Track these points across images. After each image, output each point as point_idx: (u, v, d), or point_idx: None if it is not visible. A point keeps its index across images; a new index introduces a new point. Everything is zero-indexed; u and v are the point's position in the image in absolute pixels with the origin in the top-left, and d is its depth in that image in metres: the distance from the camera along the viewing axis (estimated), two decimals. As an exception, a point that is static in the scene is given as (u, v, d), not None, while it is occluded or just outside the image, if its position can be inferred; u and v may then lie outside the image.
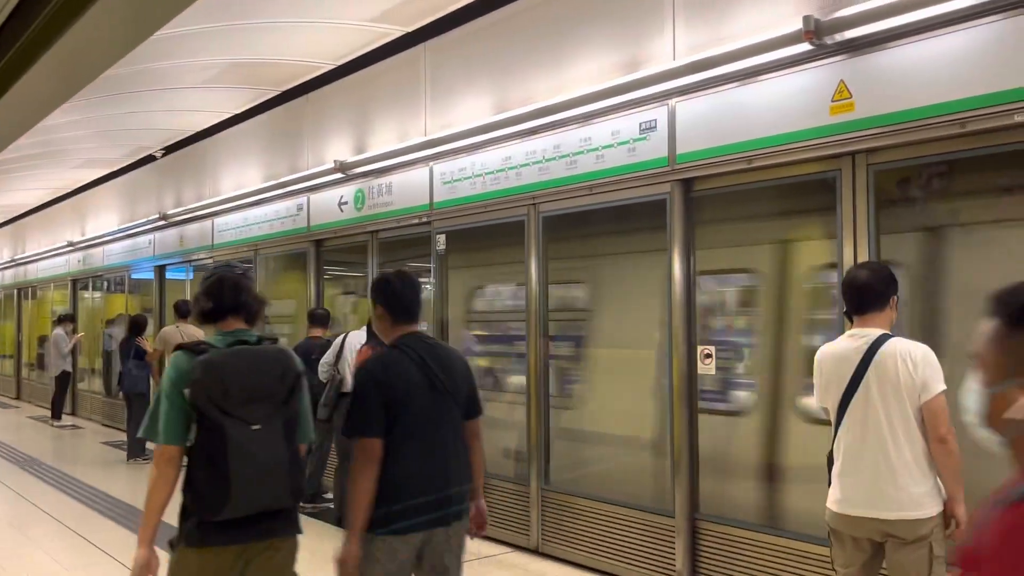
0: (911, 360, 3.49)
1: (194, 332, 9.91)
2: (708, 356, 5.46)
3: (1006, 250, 4.50)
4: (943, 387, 3.46)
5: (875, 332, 3.61)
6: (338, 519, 7.33)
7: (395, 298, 3.50)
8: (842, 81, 4.61)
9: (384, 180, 8.15)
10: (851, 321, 3.76)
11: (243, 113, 10.48)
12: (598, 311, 7.03)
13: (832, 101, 4.65)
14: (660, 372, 5.81)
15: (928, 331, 4.53)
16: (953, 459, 3.45)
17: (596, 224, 6.53)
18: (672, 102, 5.48)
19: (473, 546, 6.53)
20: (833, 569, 3.79)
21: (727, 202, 5.55)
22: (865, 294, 3.66)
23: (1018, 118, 3.96)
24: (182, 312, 10.01)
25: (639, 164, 5.69)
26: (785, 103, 4.89)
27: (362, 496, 3.21)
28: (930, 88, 4.27)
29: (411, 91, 7.80)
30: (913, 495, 3.48)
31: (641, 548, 5.68)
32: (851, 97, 4.57)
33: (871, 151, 4.55)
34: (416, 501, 3.28)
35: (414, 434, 3.32)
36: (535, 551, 6.45)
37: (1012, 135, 4.05)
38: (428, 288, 7.58)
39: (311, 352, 7.67)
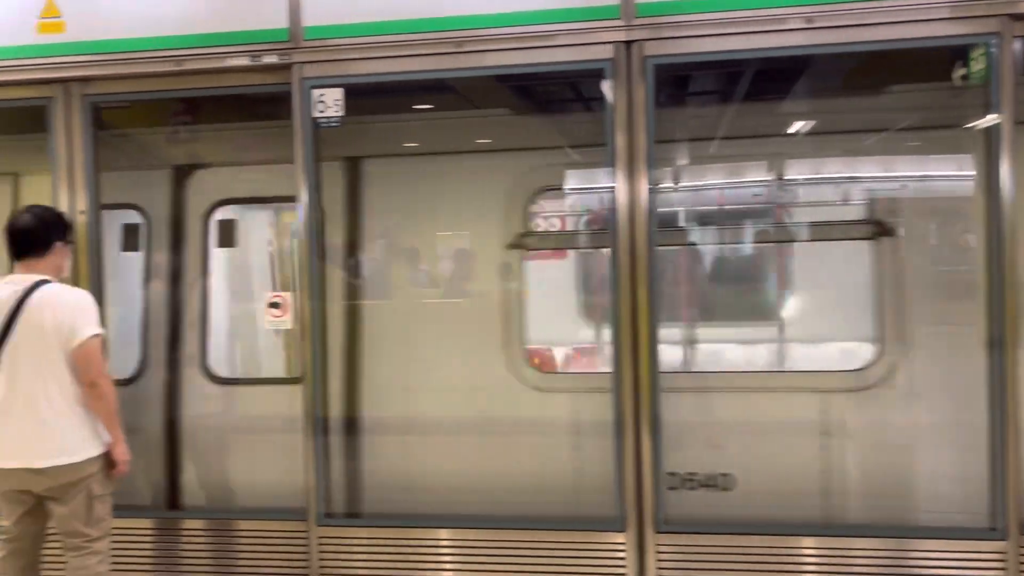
0: (61, 306, 3.42)
1: None
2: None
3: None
4: (95, 331, 3.43)
5: (33, 278, 3.46)
6: None
7: None
8: (51, -3, 4.09)
9: None
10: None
11: None
12: None
13: (40, 18, 4.10)
14: None
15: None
16: (105, 402, 3.47)
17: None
18: None
19: None
20: None
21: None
22: (24, 239, 3.51)
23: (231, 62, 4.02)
24: None
25: None
26: (-17, 12, 4.15)
27: None
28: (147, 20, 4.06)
29: None
30: (64, 441, 3.41)
31: None
32: (61, 17, 4.09)
33: (86, 80, 4.16)
34: None
35: None
36: None
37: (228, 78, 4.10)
38: None
39: None
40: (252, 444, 4.66)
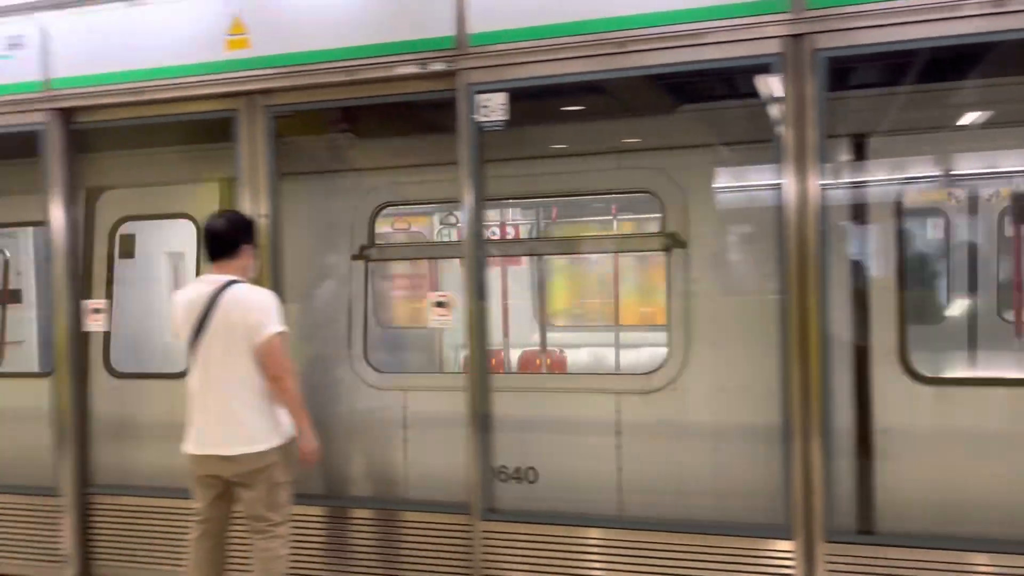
0: (248, 304, 3.66)
1: None
2: (97, 311, 4.86)
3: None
4: (278, 329, 3.64)
5: (224, 278, 3.71)
6: None
7: None
8: (238, 16, 4.37)
9: None
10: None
11: None
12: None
13: (227, 35, 4.39)
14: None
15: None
16: (288, 395, 3.69)
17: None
18: (44, 16, 4.68)
19: None
20: None
21: (120, 137, 4.99)
22: (216, 242, 3.77)
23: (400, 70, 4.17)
24: None
25: (5, 87, 4.77)
26: (180, 33, 4.47)
27: None
28: (323, 33, 4.27)
29: None
30: (250, 431, 3.64)
31: (19, 536, 4.88)
32: (246, 34, 4.36)
33: (268, 92, 4.42)
34: None
35: None
36: None
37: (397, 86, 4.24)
38: None
39: None
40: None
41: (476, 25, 4.03)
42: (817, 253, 3.59)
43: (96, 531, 4.81)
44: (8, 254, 6.59)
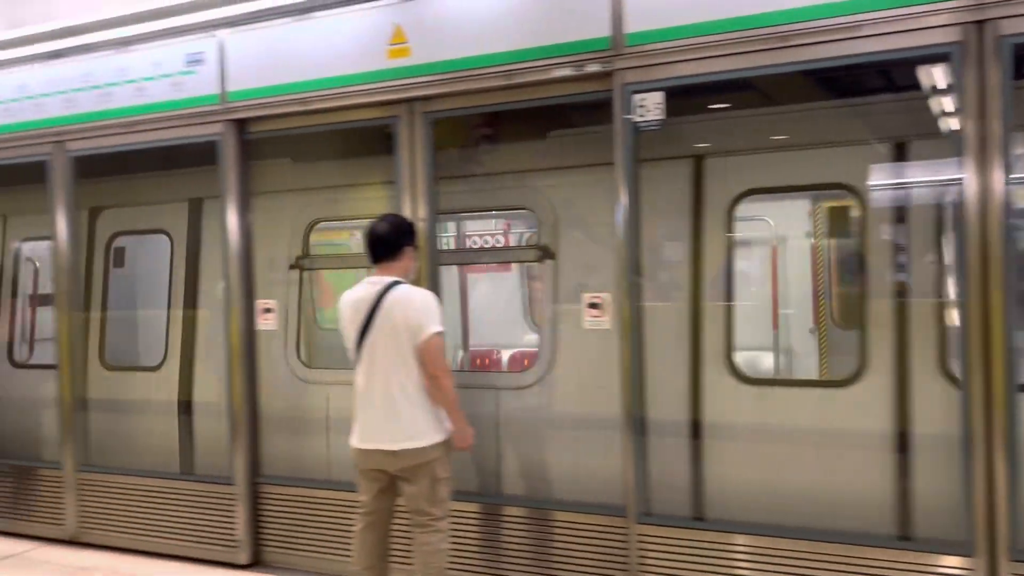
0: (410, 305, 3.77)
1: None
2: (268, 311, 5.13)
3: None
4: (437, 329, 3.75)
5: (387, 279, 3.84)
6: None
7: None
8: (399, 26, 4.52)
9: None
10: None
11: None
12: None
13: (389, 45, 4.55)
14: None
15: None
16: (444, 394, 3.79)
17: (141, 167, 5.81)
18: (221, 33, 4.98)
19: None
20: None
21: (287, 146, 5.25)
22: (379, 244, 3.91)
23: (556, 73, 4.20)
24: None
25: (187, 101, 5.12)
26: (343, 44, 4.68)
27: None
28: (480, 39, 4.35)
29: None
30: (414, 427, 3.76)
31: (199, 521, 5.22)
32: (407, 43, 4.51)
33: (427, 99, 4.55)
34: None
35: None
36: (72, 542, 5.63)
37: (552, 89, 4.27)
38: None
39: None
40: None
41: (632, 25, 4.01)
42: (1001, 253, 3.37)
43: (266, 519, 5.08)
44: (39, 264, 7.10)
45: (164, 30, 5.13)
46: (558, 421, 4.61)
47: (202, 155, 5.14)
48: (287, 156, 5.44)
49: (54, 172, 5.64)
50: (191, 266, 5.73)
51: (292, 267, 5.27)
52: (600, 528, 4.22)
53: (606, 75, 4.09)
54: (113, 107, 5.35)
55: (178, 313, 5.79)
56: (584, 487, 4.42)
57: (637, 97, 4.03)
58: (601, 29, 4.07)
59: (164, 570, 5.10)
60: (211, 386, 5.48)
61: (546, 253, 4.69)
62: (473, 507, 4.52)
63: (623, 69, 4.04)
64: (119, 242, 6.11)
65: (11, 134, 5.72)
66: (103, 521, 5.54)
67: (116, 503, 5.50)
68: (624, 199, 4.08)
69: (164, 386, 5.76)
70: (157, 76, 5.19)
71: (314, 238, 5.43)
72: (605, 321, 4.28)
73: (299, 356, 5.27)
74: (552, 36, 4.19)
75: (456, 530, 4.24)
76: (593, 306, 4.32)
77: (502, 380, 5.43)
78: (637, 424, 4.10)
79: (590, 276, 4.46)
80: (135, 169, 5.90)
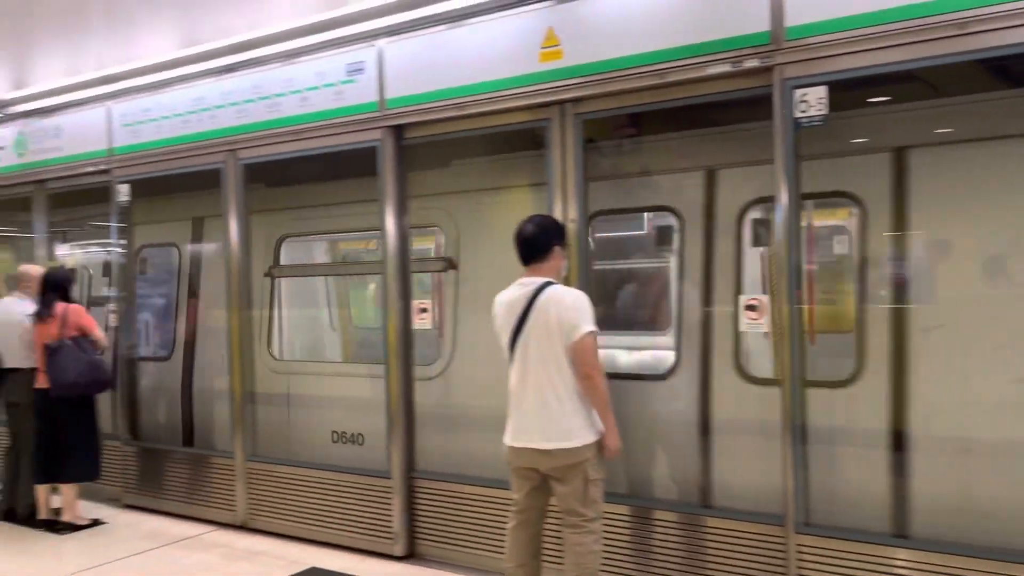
0: (562, 305, 3.78)
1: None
2: (424, 311, 5.28)
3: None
4: (590, 329, 3.74)
5: (539, 280, 3.87)
6: (6, 512, 6.32)
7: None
8: (551, 28, 4.55)
9: (52, 121, 7.06)
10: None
11: None
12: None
13: (541, 48, 4.59)
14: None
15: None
16: (597, 393, 3.78)
17: (304, 173, 6.10)
18: (380, 43, 5.17)
19: (171, 527, 6.01)
20: None
21: (441, 150, 5.38)
22: (528, 245, 3.95)
23: (711, 70, 4.12)
24: None
25: (347, 108, 5.34)
26: (497, 48, 4.76)
27: None
28: (632, 38, 4.32)
29: (82, 16, 6.76)
30: (566, 427, 3.77)
31: (357, 513, 5.43)
32: (559, 45, 4.53)
33: (578, 100, 4.56)
34: None
35: None
36: (242, 527, 5.98)
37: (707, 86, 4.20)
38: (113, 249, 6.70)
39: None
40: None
41: (793, 18, 3.88)
42: None
43: (420, 513, 5.23)
44: (92, 272, 7.39)
45: (327, 41, 5.37)
46: (714, 426, 4.50)
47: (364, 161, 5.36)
48: (437, 161, 5.58)
49: (227, 178, 6.01)
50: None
51: (444, 269, 5.41)
52: (756, 537, 4.11)
53: (765, 70, 3.97)
54: (280, 116, 5.65)
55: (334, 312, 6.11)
56: (739, 494, 4.31)
57: (798, 92, 3.90)
58: (760, 23, 3.96)
59: (326, 557, 5.33)
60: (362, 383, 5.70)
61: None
62: (624, 509, 4.50)
63: (783, 64, 3.92)
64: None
65: (189, 144, 6.14)
66: (269, 508, 5.86)
67: (280, 492, 5.80)
68: (784, 197, 3.96)
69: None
70: (320, 86, 5.44)
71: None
72: (762, 324, 4.16)
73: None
74: (708, 33, 4.11)
75: (606, 532, 4.23)
76: (750, 308, 4.20)
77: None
78: (797, 431, 3.96)
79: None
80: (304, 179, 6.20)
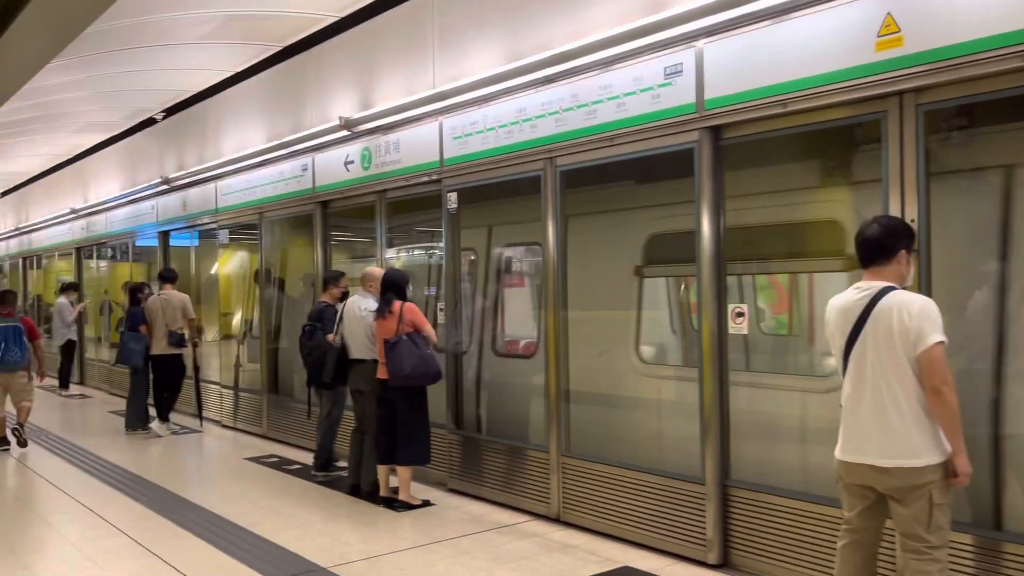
0: (907, 312, 3.49)
1: (177, 297, 10.13)
2: (740, 315, 5.16)
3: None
4: (939, 338, 3.43)
5: (879, 285, 3.62)
6: (352, 487, 7.10)
7: None
8: (889, 14, 4.24)
9: (392, 137, 7.81)
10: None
11: (244, 71, 10.13)
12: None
13: (878, 36, 4.28)
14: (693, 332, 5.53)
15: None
16: (947, 410, 3.43)
17: (618, 177, 6.21)
18: (700, 44, 5.12)
19: (490, 514, 6.40)
20: None
21: (759, 150, 5.22)
22: (870, 247, 3.70)
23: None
24: (166, 278, 10.52)
25: (664, 111, 5.35)
26: (825, 41, 4.52)
27: None
28: (984, 20, 3.90)
29: (418, 42, 7.43)
30: (908, 444, 3.49)
31: (669, 516, 5.43)
32: (899, 31, 4.20)
33: (920, 90, 4.20)
34: None
35: None
36: (556, 519, 6.22)
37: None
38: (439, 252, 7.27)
39: (322, 316, 7.47)
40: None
41: None
42: None
43: (735, 522, 5.11)
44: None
45: (644, 47, 5.41)
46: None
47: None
48: (756, 161, 5.42)
49: (545, 185, 6.28)
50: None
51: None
52: None
53: None
54: (596, 123, 5.80)
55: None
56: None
57: None
58: None
59: (638, 558, 5.38)
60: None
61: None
62: (966, 539, 4.07)
63: None
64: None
65: (511, 153, 6.49)
66: (582, 504, 6.03)
67: (593, 488, 5.94)
68: None
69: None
70: (637, 90, 5.51)
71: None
72: None
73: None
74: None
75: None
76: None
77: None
78: None
79: None
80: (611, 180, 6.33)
